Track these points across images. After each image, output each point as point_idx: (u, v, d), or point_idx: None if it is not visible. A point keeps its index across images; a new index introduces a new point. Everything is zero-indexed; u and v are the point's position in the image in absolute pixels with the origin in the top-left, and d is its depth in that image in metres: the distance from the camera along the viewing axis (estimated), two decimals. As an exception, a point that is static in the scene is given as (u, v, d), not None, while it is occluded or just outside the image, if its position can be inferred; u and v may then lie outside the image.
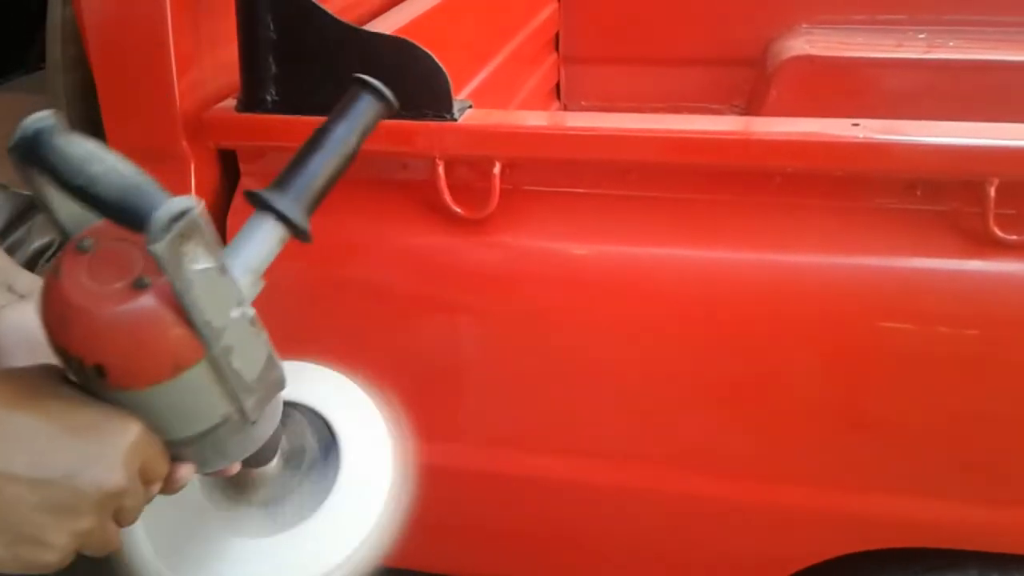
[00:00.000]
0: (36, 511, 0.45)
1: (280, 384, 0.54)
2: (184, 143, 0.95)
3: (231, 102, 0.97)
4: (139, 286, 0.44)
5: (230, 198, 1.00)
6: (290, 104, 0.93)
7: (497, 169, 0.89)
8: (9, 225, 0.93)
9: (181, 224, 0.43)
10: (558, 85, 1.94)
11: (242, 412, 0.51)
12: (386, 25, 1.13)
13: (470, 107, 0.92)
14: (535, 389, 0.96)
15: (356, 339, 0.99)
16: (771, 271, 0.88)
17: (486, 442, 1.01)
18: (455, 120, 0.90)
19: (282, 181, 0.57)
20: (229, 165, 1.00)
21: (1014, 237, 0.81)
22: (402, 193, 0.95)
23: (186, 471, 0.53)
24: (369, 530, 0.64)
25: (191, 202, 0.43)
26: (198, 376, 0.47)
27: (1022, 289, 0.85)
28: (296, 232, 0.55)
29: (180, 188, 0.96)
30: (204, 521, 0.64)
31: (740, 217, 0.88)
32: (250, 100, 0.94)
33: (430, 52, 0.88)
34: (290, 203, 0.55)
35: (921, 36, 1.69)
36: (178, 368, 0.46)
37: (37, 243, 1.01)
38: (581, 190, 0.92)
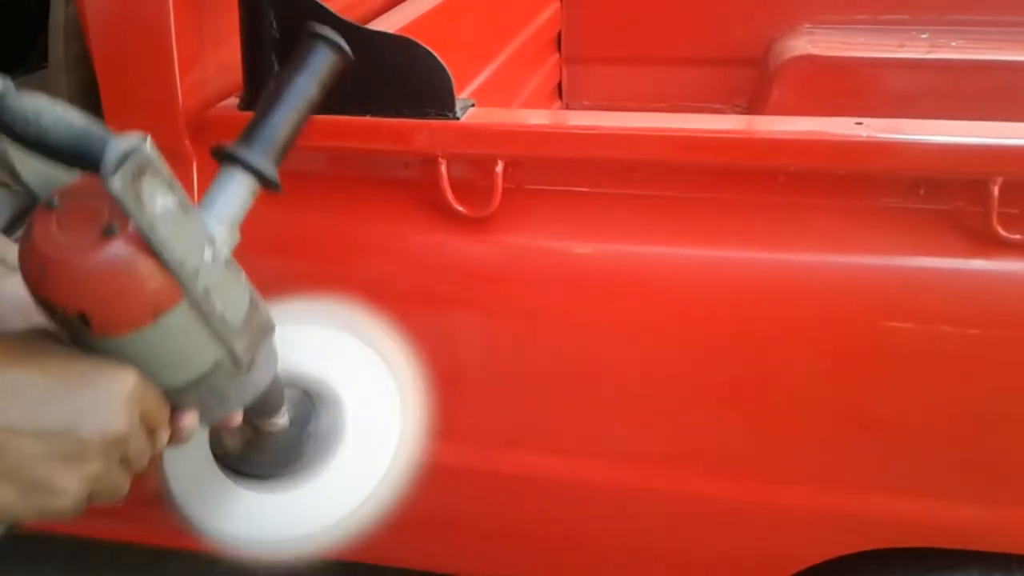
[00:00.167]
0: (45, 460, 0.46)
1: (269, 328, 0.55)
2: (187, 142, 0.95)
3: (234, 101, 0.97)
4: (108, 232, 0.45)
5: (232, 197, 1.00)
6: (292, 103, 0.93)
7: (500, 168, 0.89)
8: (13, 222, 0.93)
9: (132, 160, 0.44)
10: (560, 85, 1.94)
11: (233, 356, 0.52)
12: (389, 24, 1.13)
13: (473, 106, 0.92)
14: (536, 388, 0.96)
15: (358, 338, 0.99)
16: (774, 270, 0.88)
17: (488, 441, 1.01)
18: (458, 119, 0.90)
19: (248, 135, 0.59)
20: (231, 164, 1.00)
21: (1017, 236, 0.81)
22: (404, 192, 0.95)
23: (190, 419, 0.53)
24: (377, 482, 0.66)
25: (139, 138, 0.45)
26: (180, 319, 0.48)
27: (1025, 289, 0.85)
28: (265, 182, 0.57)
29: (183, 187, 0.96)
30: (217, 476, 0.67)
31: (743, 216, 0.88)
32: (253, 99, 0.94)
33: (433, 51, 0.88)
34: (257, 155, 0.57)
35: (923, 36, 1.69)
36: (158, 311, 0.47)
37: None
38: (584, 189, 0.92)
